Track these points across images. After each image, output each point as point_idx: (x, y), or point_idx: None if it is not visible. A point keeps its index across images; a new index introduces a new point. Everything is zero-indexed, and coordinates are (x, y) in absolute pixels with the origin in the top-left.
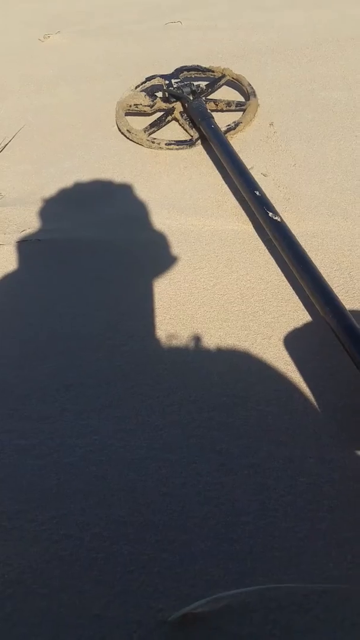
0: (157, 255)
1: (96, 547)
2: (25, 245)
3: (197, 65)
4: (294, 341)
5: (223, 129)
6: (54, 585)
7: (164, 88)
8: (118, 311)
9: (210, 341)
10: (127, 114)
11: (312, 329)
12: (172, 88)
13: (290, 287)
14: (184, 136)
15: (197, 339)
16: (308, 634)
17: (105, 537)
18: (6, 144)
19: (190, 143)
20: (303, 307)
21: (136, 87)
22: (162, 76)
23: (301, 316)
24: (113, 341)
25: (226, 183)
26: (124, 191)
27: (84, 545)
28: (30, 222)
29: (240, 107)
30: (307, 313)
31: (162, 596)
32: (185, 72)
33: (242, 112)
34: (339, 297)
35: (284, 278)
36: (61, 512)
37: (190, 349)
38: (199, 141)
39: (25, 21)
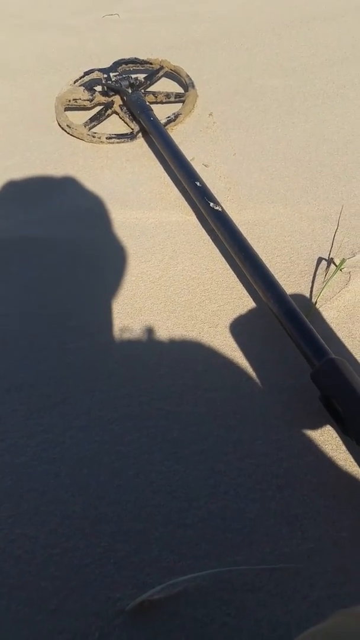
0: (102, 250)
1: (52, 543)
2: None
3: (135, 58)
4: (240, 328)
5: (163, 121)
6: (11, 584)
7: (103, 82)
8: (65, 308)
9: (159, 333)
10: (66, 109)
11: (256, 315)
12: (110, 81)
13: (235, 275)
14: (124, 129)
15: (145, 331)
16: (261, 609)
17: (60, 533)
18: None
19: (131, 136)
20: (247, 294)
21: (75, 82)
22: (100, 70)
23: (246, 303)
24: (61, 339)
25: (168, 175)
26: (66, 187)
27: (39, 542)
28: None
29: (179, 98)
30: (251, 300)
31: (119, 586)
32: (123, 65)
33: (181, 104)
34: (280, 282)
35: (228, 267)
36: (16, 511)
37: (140, 342)
38: (140, 134)
39: None
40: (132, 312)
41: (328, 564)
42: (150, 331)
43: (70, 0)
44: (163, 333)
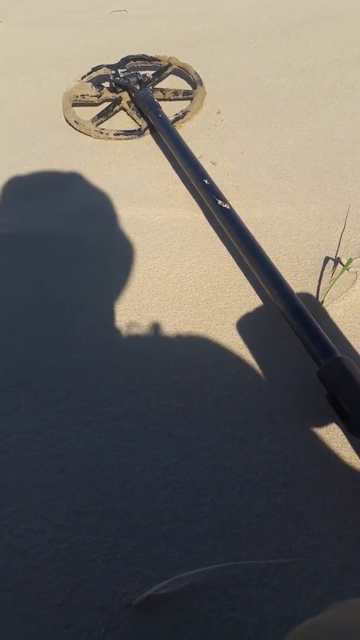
0: (110, 246)
1: (58, 538)
2: None
3: (143, 55)
4: (247, 325)
5: (171, 118)
6: (17, 579)
7: (111, 78)
8: (73, 304)
9: (166, 329)
10: (74, 105)
11: (263, 312)
12: (118, 78)
13: (242, 273)
14: (132, 126)
15: (153, 327)
16: (267, 605)
17: (67, 528)
18: None
19: (138, 133)
20: (254, 292)
21: (82, 78)
22: (108, 66)
23: (252, 301)
24: (69, 334)
25: (176, 172)
26: (74, 183)
27: (45, 537)
28: None
29: (187, 95)
30: (258, 297)
31: (126, 581)
32: (131, 62)
33: (189, 101)
34: (287, 281)
35: (235, 264)
36: (22, 506)
37: (147, 338)
38: (148, 131)
39: None
40: (140, 309)
41: (333, 561)
42: (157, 328)
43: None
44: (170, 330)
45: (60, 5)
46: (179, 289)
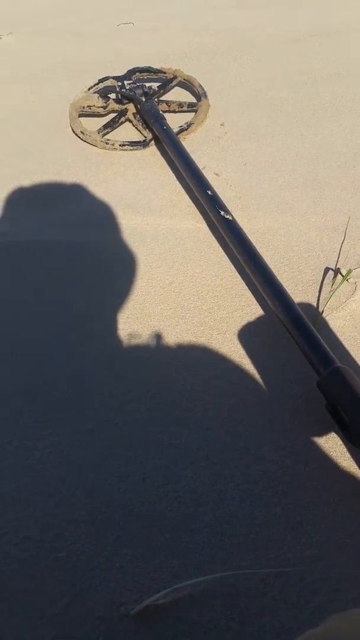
0: (113, 255)
1: (57, 547)
2: None
3: (149, 67)
4: (248, 335)
5: (175, 129)
6: (15, 588)
7: (117, 90)
8: (76, 312)
9: (168, 338)
10: (80, 116)
11: (264, 322)
12: (124, 90)
13: (244, 283)
14: (137, 137)
15: (155, 336)
16: (265, 615)
17: (66, 537)
18: None
19: (143, 144)
20: (255, 302)
21: (89, 89)
22: (114, 78)
23: (254, 310)
24: (71, 342)
25: (180, 182)
26: (79, 192)
27: (44, 546)
28: None
29: (191, 108)
30: (259, 307)
31: (124, 590)
32: (137, 74)
33: (193, 113)
34: (288, 291)
35: (237, 274)
36: (21, 515)
37: (149, 347)
38: (153, 142)
39: None
40: (142, 317)
41: (332, 570)
42: (159, 336)
43: (86, 8)
44: (172, 338)
45: (68, 17)
46: (181, 298)
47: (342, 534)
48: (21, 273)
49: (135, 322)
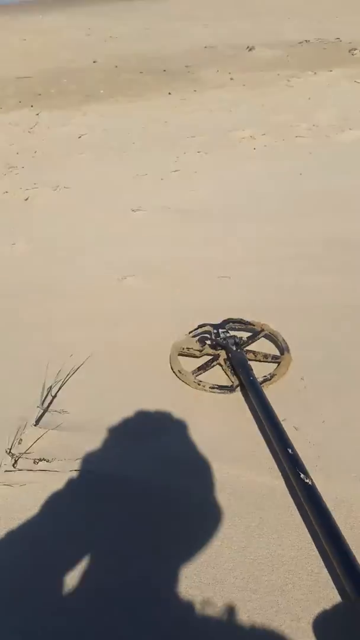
0: (192, 503)
1: None
2: (76, 475)
3: (241, 319)
4: (323, 627)
5: (259, 379)
6: None
7: (212, 337)
8: (138, 567)
9: (240, 615)
10: (179, 354)
11: (341, 613)
12: (219, 338)
13: (319, 558)
14: (225, 381)
15: (226, 609)
16: None
17: None
18: (75, 370)
19: (230, 389)
20: (332, 585)
21: (189, 333)
22: (211, 325)
23: (331, 595)
24: (140, 600)
25: (260, 432)
26: (167, 430)
27: None
28: (83, 450)
29: (275, 360)
30: (336, 593)
31: None
32: (230, 323)
33: (276, 365)
34: None
35: (313, 546)
36: None
37: (217, 621)
38: (239, 388)
39: (108, 262)
40: (213, 584)
41: None
42: (231, 611)
43: (191, 264)
44: (242, 616)
45: (174, 265)
46: (255, 568)
47: None
48: (104, 507)
49: (207, 589)
